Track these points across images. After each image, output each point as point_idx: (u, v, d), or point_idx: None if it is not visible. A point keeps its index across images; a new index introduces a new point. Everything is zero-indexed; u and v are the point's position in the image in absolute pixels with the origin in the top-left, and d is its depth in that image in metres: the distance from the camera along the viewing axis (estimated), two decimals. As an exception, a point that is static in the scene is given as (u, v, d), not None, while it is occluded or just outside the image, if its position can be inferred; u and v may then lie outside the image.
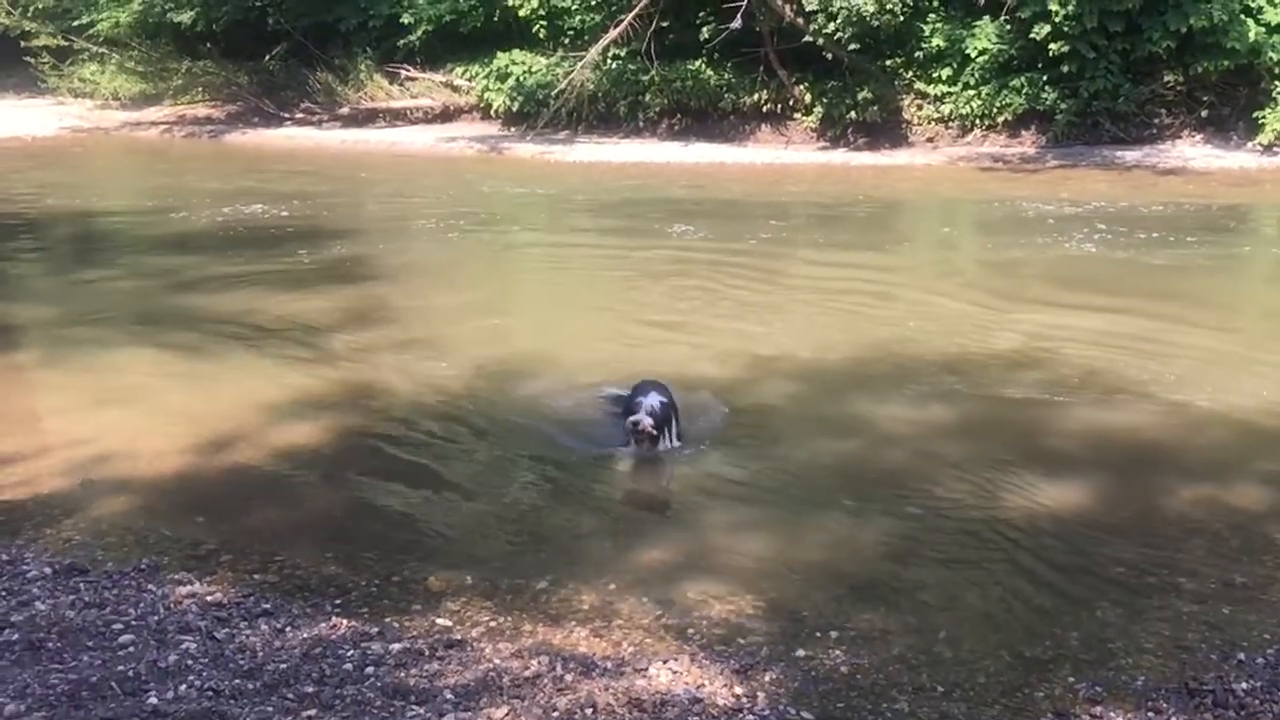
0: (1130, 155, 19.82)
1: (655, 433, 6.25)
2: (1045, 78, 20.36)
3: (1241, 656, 4.24)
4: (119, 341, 9.27)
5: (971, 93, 21.10)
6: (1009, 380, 7.91)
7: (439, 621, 4.55)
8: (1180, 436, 6.80)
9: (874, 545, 5.43)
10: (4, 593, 4.62)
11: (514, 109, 24.49)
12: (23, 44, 29.13)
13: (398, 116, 26.30)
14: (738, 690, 4.03)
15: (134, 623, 4.36)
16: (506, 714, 3.73)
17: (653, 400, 6.29)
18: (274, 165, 22.47)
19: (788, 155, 21.95)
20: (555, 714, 3.75)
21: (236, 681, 3.89)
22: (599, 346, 8.96)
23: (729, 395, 7.65)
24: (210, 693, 3.80)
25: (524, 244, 15.24)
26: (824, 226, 15.23)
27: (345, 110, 26.52)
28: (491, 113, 25.15)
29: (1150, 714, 3.80)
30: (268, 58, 27.47)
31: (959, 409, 7.37)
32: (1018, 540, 5.38)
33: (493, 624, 4.56)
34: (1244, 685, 4.00)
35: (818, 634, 4.53)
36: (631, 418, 6.24)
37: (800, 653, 4.37)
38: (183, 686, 3.83)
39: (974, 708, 3.95)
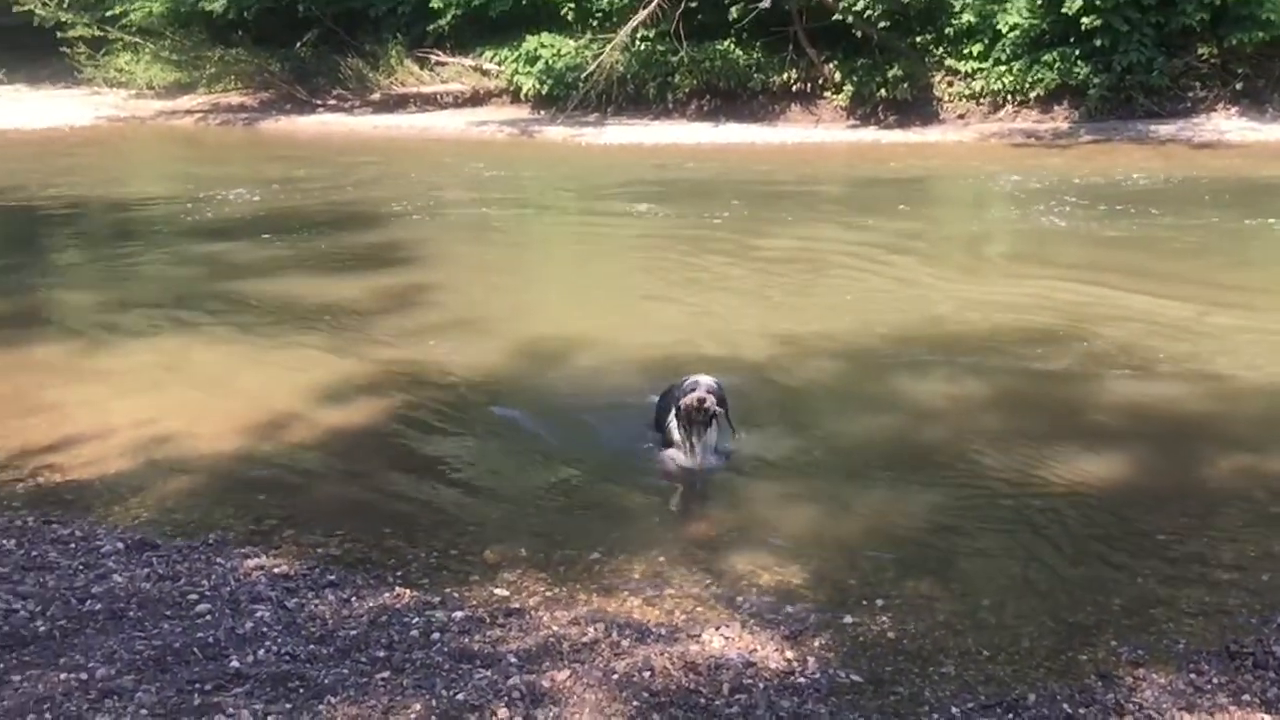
0: (1164, 129, 19.75)
1: (721, 408, 5.77)
2: (1078, 52, 20.29)
3: (1280, 620, 4.34)
4: (168, 327, 9.49)
5: (1003, 68, 21.06)
6: (1047, 355, 8.00)
7: (497, 591, 4.72)
8: (1218, 408, 6.87)
9: (917, 517, 5.54)
10: (82, 567, 4.82)
11: (543, 92, 24.64)
12: (58, 34, 29.48)
13: (428, 101, 26.50)
14: (789, 654, 4.17)
15: (208, 593, 4.55)
16: (568, 676, 3.89)
17: (709, 380, 5.80)
18: (307, 152, 22.72)
19: (818, 134, 22.00)
20: (615, 676, 3.91)
21: (311, 647, 4.08)
22: (636, 325, 9.11)
23: (770, 373, 7.79)
24: (288, 657, 3.99)
25: (558, 226, 15.41)
26: (855, 205, 15.27)
27: (376, 96, 26.76)
28: (521, 96, 25.31)
29: (1192, 675, 3.91)
30: (299, 45, 27.78)
31: (997, 384, 7.47)
32: (1059, 510, 5.49)
33: (549, 594, 4.72)
34: (1283, 647, 4.10)
35: (864, 602, 4.66)
36: (692, 395, 5.71)
37: (848, 619, 4.50)
38: (261, 651, 4.02)
39: (1019, 670, 4.07)
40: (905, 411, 6.99)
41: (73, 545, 5.09)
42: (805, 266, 11.30)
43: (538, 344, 8.51)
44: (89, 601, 4.46)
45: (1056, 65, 20.39)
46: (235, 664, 3.91)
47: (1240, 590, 4.62)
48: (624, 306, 9.98)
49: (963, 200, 15.95)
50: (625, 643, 4.20)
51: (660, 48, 23.18)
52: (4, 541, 5.11)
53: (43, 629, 4.19)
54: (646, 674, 3.95)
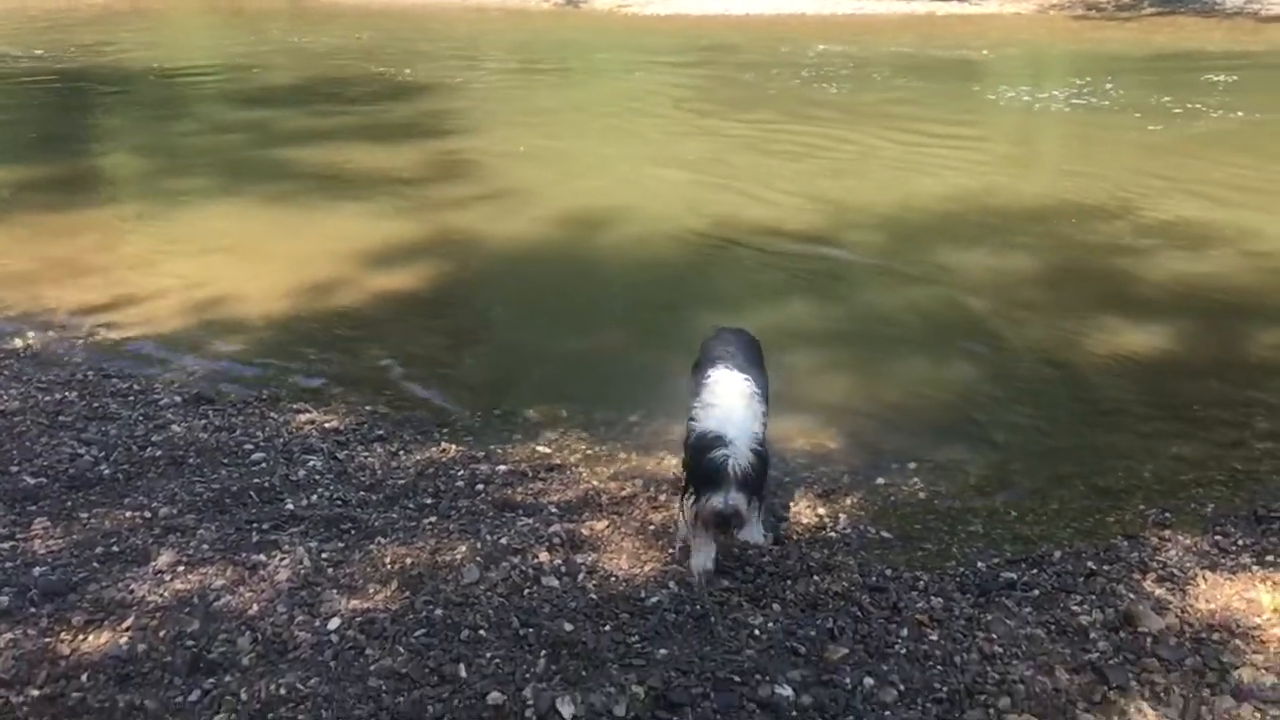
0: (1231, 1, 19.03)
1: (744, 509, 3.61)
2: (1145, -81, 19.43)
3: (1311, 488, 4.38)
4: (216, 192, 9.62)
5: (1066, -64, 20.24)
6: (1093, 230, 7.92)
7: (539, 449, 4.85)
8: (1263, 283, 6.80)
9: (954, 386, 5.59)
10: (142, 418, 5.02)
11: (589, -40, 24.05)
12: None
13: (472, -31, 25.96)
14: (821, 511, 4.29)
15: (262, 444, 4.74)
16: (607, 526, 4.03)
17: (739, 451, 3.55)
18: (348, 20, 22.47)
19: (869, 5, 21.42)
20: (651, 527, 4.05)
21: (361, 494, 4.26)
22: (678, 197, 9.09)
23: (813, 241, 7.78)
24: (339, 501, 4.17)
25: (599, 98, 15.22)
26: (904, 80, 14.93)
27: (419, -37, 26.24)
28: (567, -36, 24.73)
29: (1218, 537, 3.97)
30: (341, -91, 27.16)
31: (1042, 258, 7.42)
32: (1097, 381, 5.52)
33: (589, 452, 4.86)
34: (1312, 513, 4.14)
35: (896, 465, 4.75)
36: (709, 502, 3.55)
37: (880, 480, 4.60)
38: (314, 496, 4.21)
39: (1046, 529, 4.16)
40: (948, 283, 6.98)
41: (132, 398, 5.30)
42: (848, 140, 11.15)
43: (581, 212, 8.54)
44: (149, 449, 4.65)
45: (1122, -67, 19.59)
46: (290, 507, 4.10)
47: (1273, 459, 4.66)
48: (668, 175, 9.93)
49: (1019, 76, 15.53)
50: (662, 497, 4.33)
51: (710, -87, 22.47)
52: (66, 393, 5.31)
53: (107, 472, 4.40)
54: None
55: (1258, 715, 2.97)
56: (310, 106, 13.63)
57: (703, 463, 3.59)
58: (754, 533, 3.94)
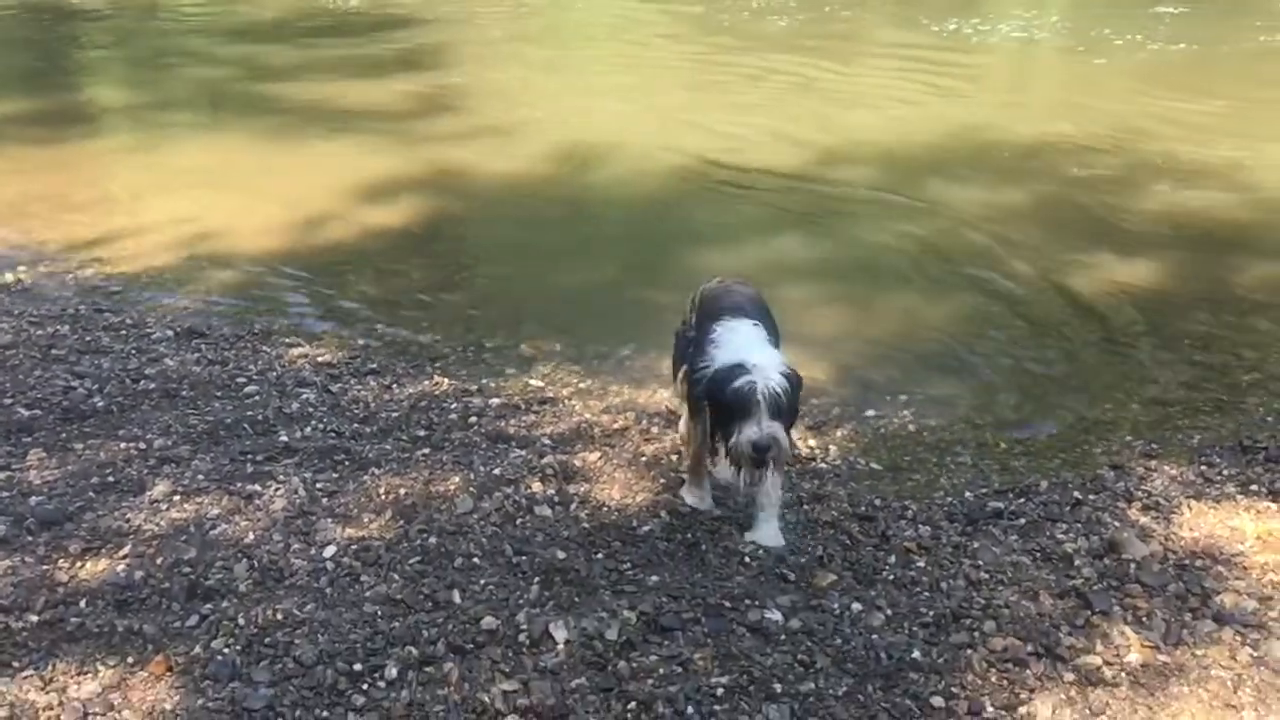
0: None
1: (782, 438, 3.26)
2: None
3: (1298, 419, 4.42)
4: (205, 126, 9.53)
5: None
6: (1089, 164, 7.91)
7: (531, 383, 4.87)
8: (1257, 218, 6.81)
9: (945, 319, 5.61)
10: (134, 351, 5.02)
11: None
12: None
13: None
14: (812, 443, 4.33)
15: (255, 377, 4.75)
16: (599, 458, 4.06)
17: (769, 375, 3.21)
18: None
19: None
20: (643, 459, 4.08)
21: (355, 426, 4.28)
22: (671, 128, 9.03)
23: (805, 178, 7.75)
24: (333, 433, 4.19)
25: (590, 26, 15.05)
26: (902, 7, 14.78)
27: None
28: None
29: (1203, 467, 4.02)
30: None
31: (1036, 191, 7.41)
32: (1087, 314, 5.55)
33: (581, 385, 4.87)
34: (1299, 444, 4.19)
35: (887, 397, 4.79)
36: (749, 436, 3.20)
37: (870, 413, 4.64)
38: (308, 429, 4.22)
39: (1034, 460, 4.21)
40: (942, 217, 6.97)
41: (124, 332, 5.29)
42: (841, 73, 11.06)
43: (567, 146, 8.49)
44: (142, 382, 4.66)
45: None
46: (284, 438, 4.12)
47: (1260, 390, 4.70)
48: (660, 110, 9.85)
49: (970, 8, 15.33)
50: (654, 430, 4.36)
51: None
52: (59, 327, 5.30)
53: (101, 405, 4.41)
54: (674, 457, 4.11)
55: (1238, 639, 3.03)
56: (296, 40, 13.52)
57: (727, 394, 3.18)
58: (770, 534, 3.51)
